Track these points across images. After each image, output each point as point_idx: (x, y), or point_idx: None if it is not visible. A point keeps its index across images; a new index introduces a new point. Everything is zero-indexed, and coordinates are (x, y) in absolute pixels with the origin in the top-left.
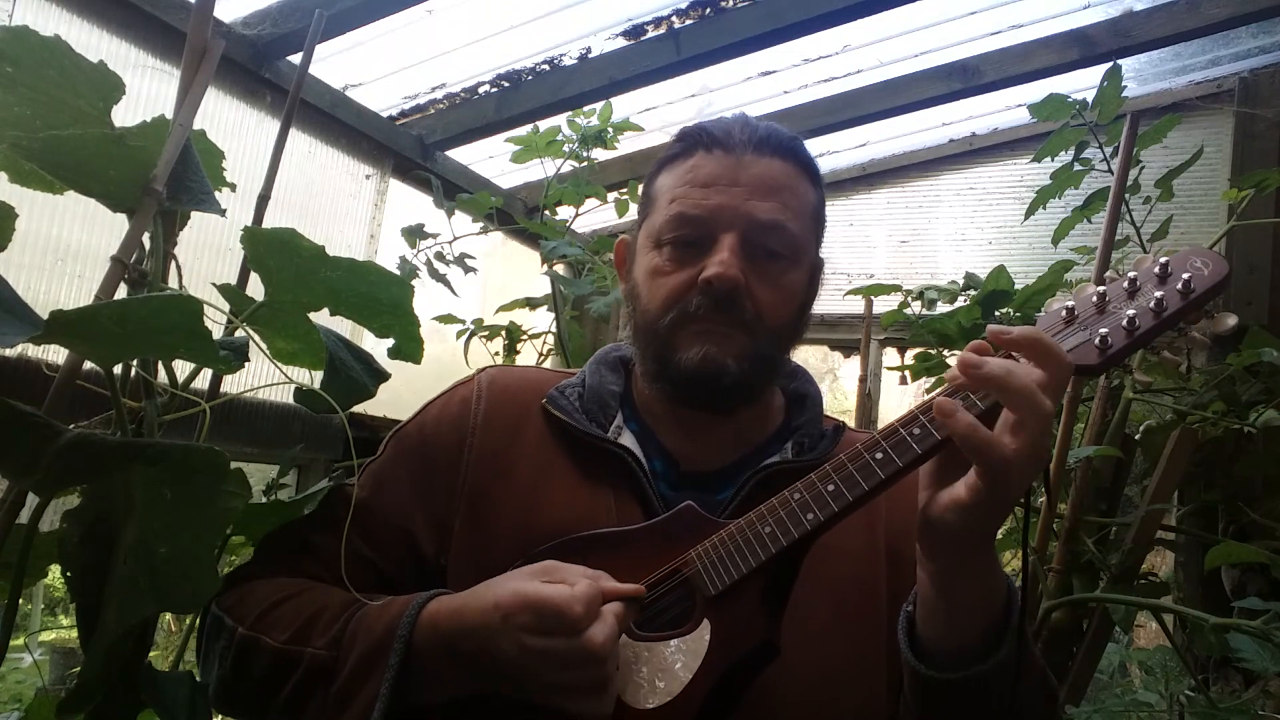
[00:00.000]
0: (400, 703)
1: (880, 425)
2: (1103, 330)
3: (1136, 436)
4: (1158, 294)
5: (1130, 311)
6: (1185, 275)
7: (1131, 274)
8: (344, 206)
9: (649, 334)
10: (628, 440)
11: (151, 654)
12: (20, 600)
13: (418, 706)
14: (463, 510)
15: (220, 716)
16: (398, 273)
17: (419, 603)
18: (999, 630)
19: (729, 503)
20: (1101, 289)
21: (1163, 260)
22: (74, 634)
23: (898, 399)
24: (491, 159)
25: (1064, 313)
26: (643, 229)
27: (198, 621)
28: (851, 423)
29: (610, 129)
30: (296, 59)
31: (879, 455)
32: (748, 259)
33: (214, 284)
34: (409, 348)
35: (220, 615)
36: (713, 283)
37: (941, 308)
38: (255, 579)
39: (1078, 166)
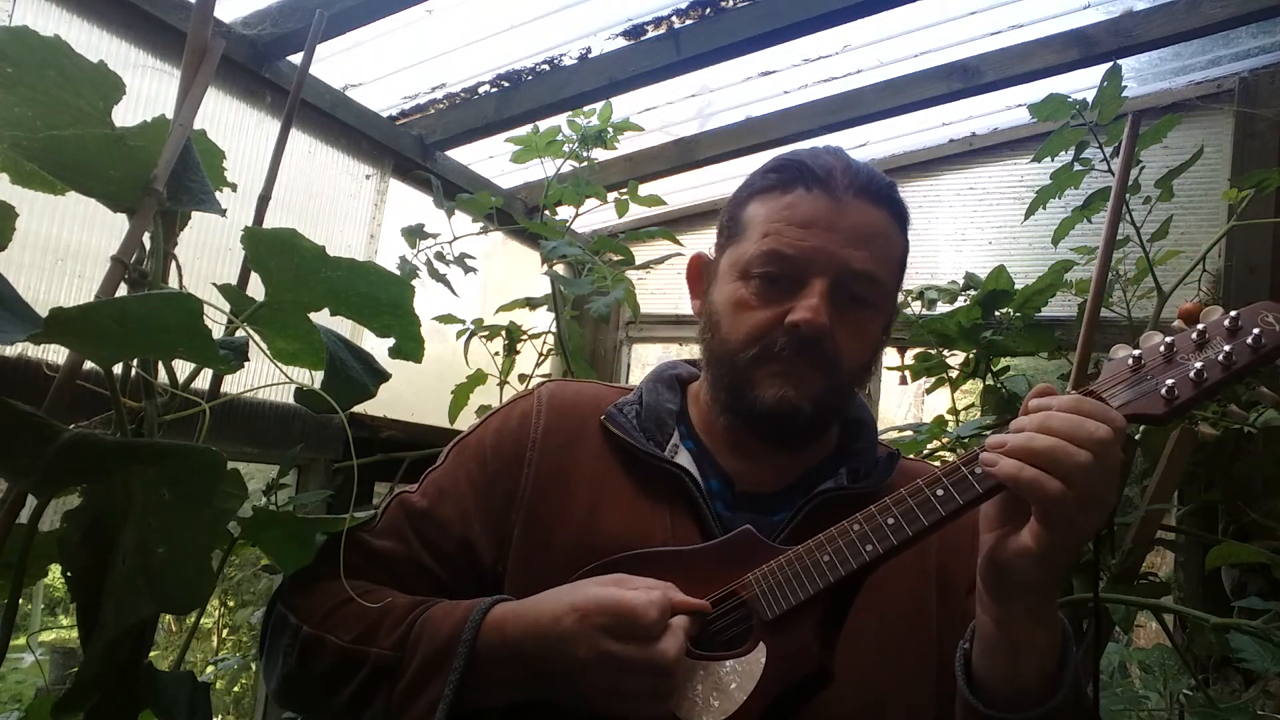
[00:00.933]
0: (463, 704)
1: (880, 425)
2: (1169, 381)
3: (1136, 436)
4: (1226, 348)
5: (1198, 364)
6: (1256, 330)
7: (1200, 326)
8: (344, 206)
9: (726, 365)
10: (684, 459)
11: (151, 654)
12: (20, 600)
13: (479, 709)
14: (522, 522)
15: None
16: (398, 273)
17: (484, 606)
18: (1055, 673)
19: (785, 526)
20: (1170, 339)
21: (1233, 314)
22: (74, 634)
23: (898, 399)
24: (491, 159)
25: (1130, 361)
26: (727, 254)
27: (262, 620)
28: None
29: (610, 129)
30: (296, 59)
31: (940, 492)
32: (834, 305)
33: (214, 284)
34: (409, 348)
35: (285, 613)
36: (801, 327)
37: (941, 308)
38: (319, 580)
39: (1078, 166)
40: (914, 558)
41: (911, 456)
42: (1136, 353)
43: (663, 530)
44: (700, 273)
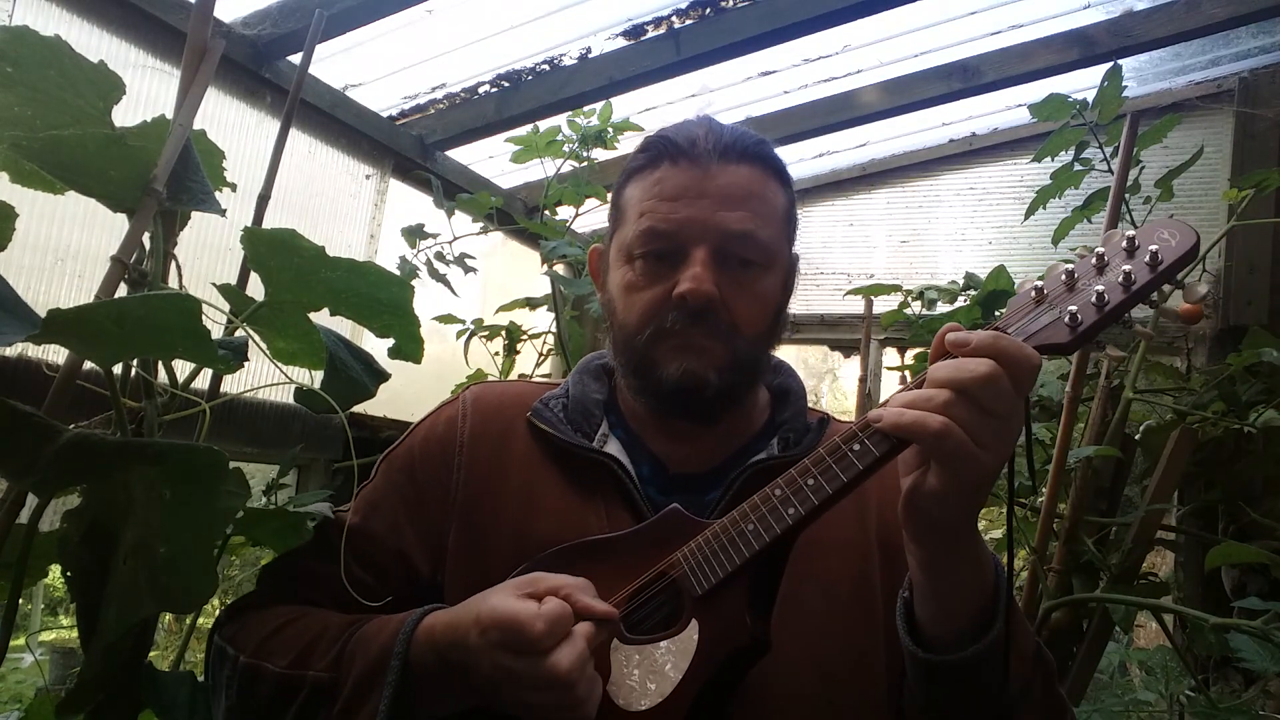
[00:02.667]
0: (401, 717)
1: None
2: (1072, 308)
3: (1136, 436)
4: (1125, 268)
5: (1099, 287)
6: (1153, 247)
7: (1100, 249)
8: (344, 206)
9: (628, 349)
10: (614, 448)
11: (151, 654)
12: (20, 600)
13: None
14: (455, 527)
15: None
16: (398, 273)
17: (416, 618)
18: (991, 610)
19: (718, 502)
20: (1070, 267)
21: (1129, 234)
22: (74, 634)
23: None
24: (491, 159)
25: (1034, 293)
26: (614, 241)
27: (204, 651)
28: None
29: (610, 129)
30: (296, 59)
31: (856, 447)
32: (720, 269)
33: (214, 284)
34: (409, 348)
35: (223, 645)
36: (686, 298)
37: (941, 308)
38: (255, 608)
39: (1078, 166)
40: (855, 526)
41: None
42: (1039, 283)
43: (597, 521)
44: (599, 265)
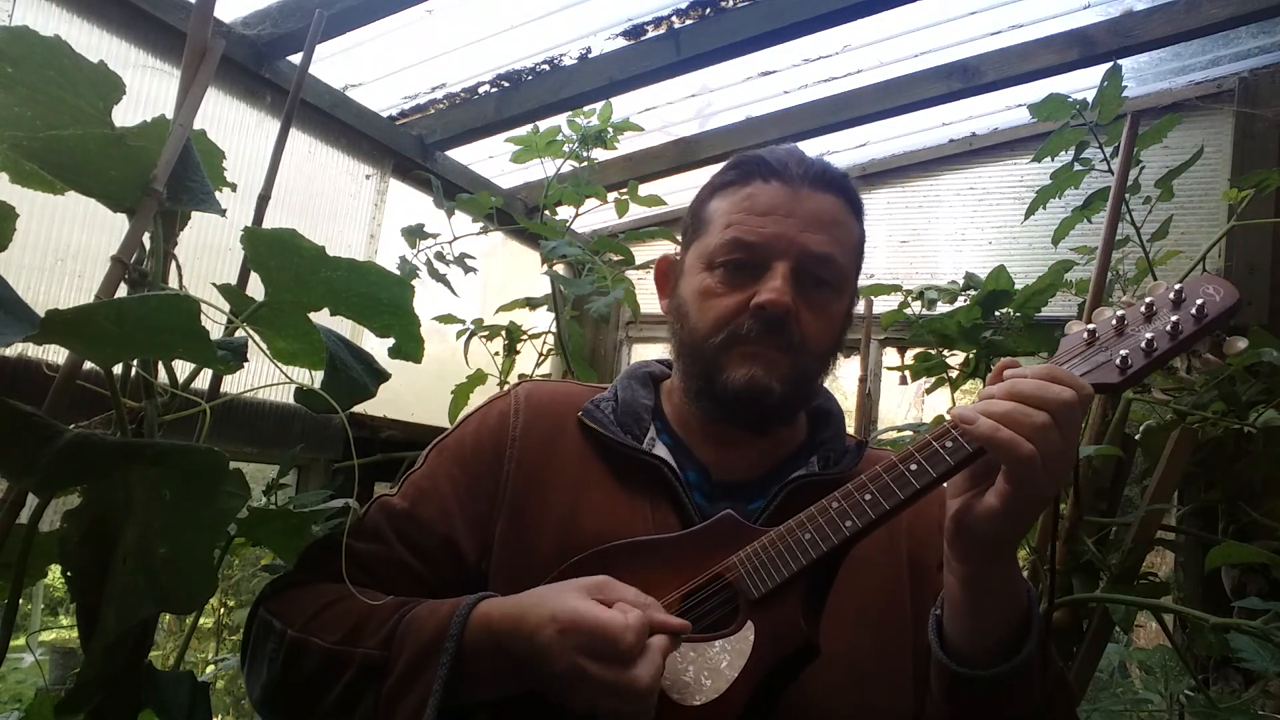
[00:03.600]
0: (451, 700)
1: (880, 425)
2: (1123, 351)
3: (1136, 436)
4: (1173, 318)
5: (1148, 334)
6: (1199, 301)
7: (1148, 299)
8: (344, 206)
9: (696, 352)
10: (661, 451)
11: (151, 654)
12: (20, 600)
13: (467, 705)
14: (504, 519)
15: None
16: (398, 273)
17: (470, 603)
18: (1021, 633)
19: (761, 512)
20: (1120, 313)
21: (1177, 287)
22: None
23: (898, 399)
24: (491, 159)
25: (1085, 335)
26: (692, 249)
27: (244, 629)
28: (851, 422)
29: (610, 129)
30: (296, 59)
31: (913, 467)
32: (797, 288)
33: (214, 284)
34: (409, 347)
35: (269, 619)
36: (766, 308)
37: (941, 308)
38: (302, 584)
39: (1078, 166)
40: (885, 543)
41: None
42: (1091, 326)
43: (644, 522)
44: (668, 272)
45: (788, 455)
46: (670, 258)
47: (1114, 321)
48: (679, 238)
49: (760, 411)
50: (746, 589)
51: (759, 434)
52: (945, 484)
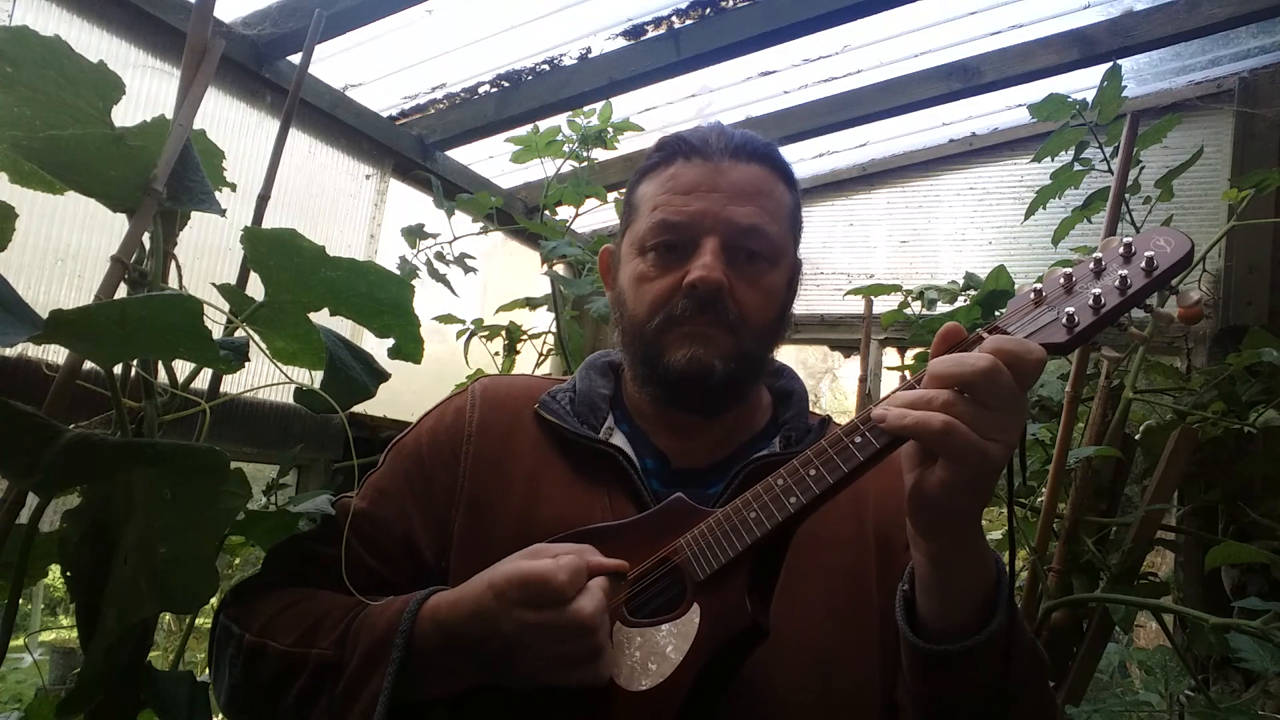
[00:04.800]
0: (404, 696)
1: None
2: (1069, 309)
3: (1136, 436)
4: (1122, 273)
5: (1096, 290)
6: (1149, 254)
7: (1097, 254)
8: (344, 206)
9: (637, 338)
10: (619, 440)
11: (151, 654)
12: (20, 600)
13: (423, 701)
14: (462, 515)
15: None
16: (398, 273)
17: (420, 598)
18: (991, 605)
19: (720, 496)
20: (1068, 270)
21: (1126, 240)
22: (74, 634)
23: None
24: (491, 159)
25: (1032, 295)
26: (626, 237)
27: (208, 634)
28: None
29: (610, 129)
30: (296, 59)
31: (857, 439)
32: (729, 262)
33: (214, 284)
34: (409, 348)
35: (228, 624)
36: (697, 285)
37: (941, 308)
38: (261, 589)
39: (1078, 166)
40: (851, 525)
41: None
42: (1037, 286)
43: (601, 511)
44: (609, 264)
45: (749, 438)
46: (610, 249)
47: (1061, 280)
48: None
49: (705, 391)
50: (692, 571)
51: (710, 416)
52: (901, 457)
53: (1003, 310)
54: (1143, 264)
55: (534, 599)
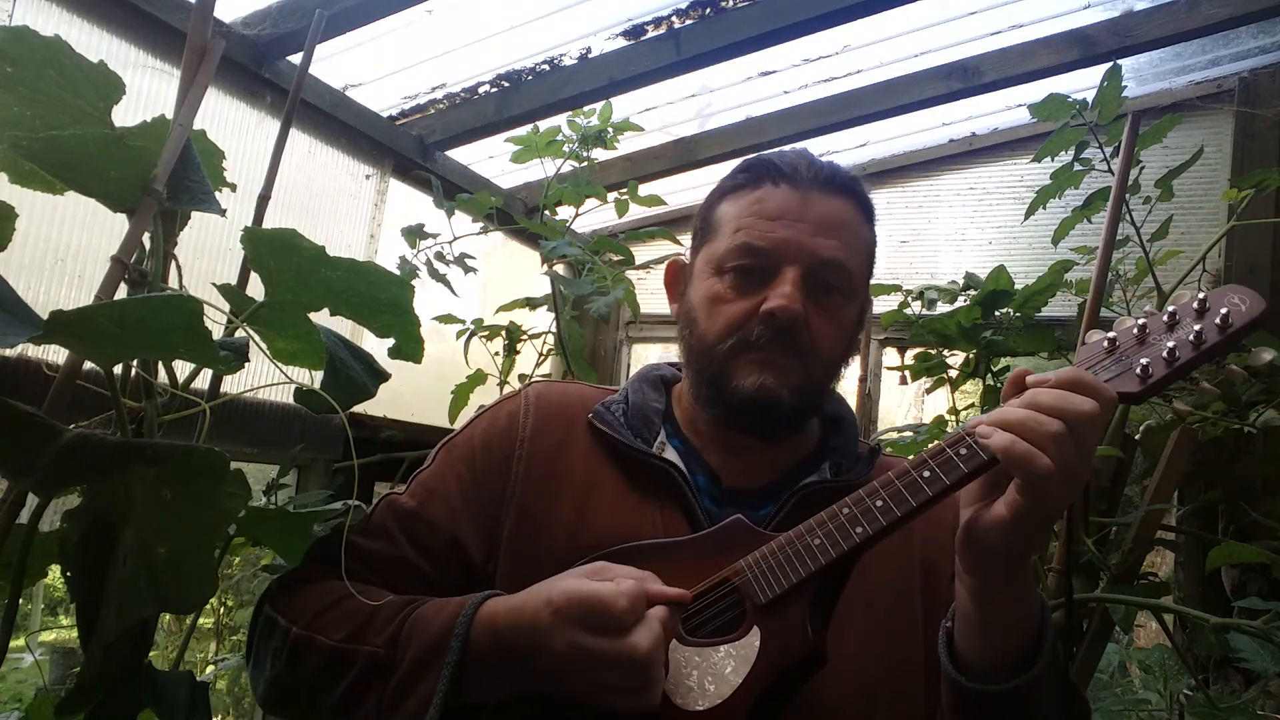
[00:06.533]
0: (456, 699)
1: (880, 425)
2: (1144, 360)
3: (1136, 436)
4: (1196, 327)
5: (1170, 344)
6: (1223, 310)
7: (1171, 308)
8: (344, 206)
9: (705, 358)
10: (671, 455)
11: (151, 654)
12: (20, 600)
13: (471, 704)
14: (511, 520)
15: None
16: (398, 273)
17: (476, 601)
18: (1034, 647)
19: (771, 518)
20: (1142, 321)
21: (1201, 296)
22: (74, 634)
23: (897, 399)
24: (491, 159)
25: (1105, 344)
26: (701, 254)
27: (249, 625)
28: None
29: (610, 129)
30: (296, 59)
31: (926, 474)
32: (807, 293)
33: (214, 284)
34: (409, 348)
35: (274, 616)
36: (775, 314)
37: (941, 308)
38: (308, 582)
39: (1078, 166)
40: (899, 550)
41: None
42: (1111, 335)
43: (652, 526)
44: (677, 276)
45: (799, 462)
46: (679, 261)
47: (1135, 330)
48: (679, 240)
49: (770, 419)
50: (753, 593)
51: (769, 441)
52: (959, 492)
53: (1071, 355)
54: (1217, 320)
55: (591, 622)
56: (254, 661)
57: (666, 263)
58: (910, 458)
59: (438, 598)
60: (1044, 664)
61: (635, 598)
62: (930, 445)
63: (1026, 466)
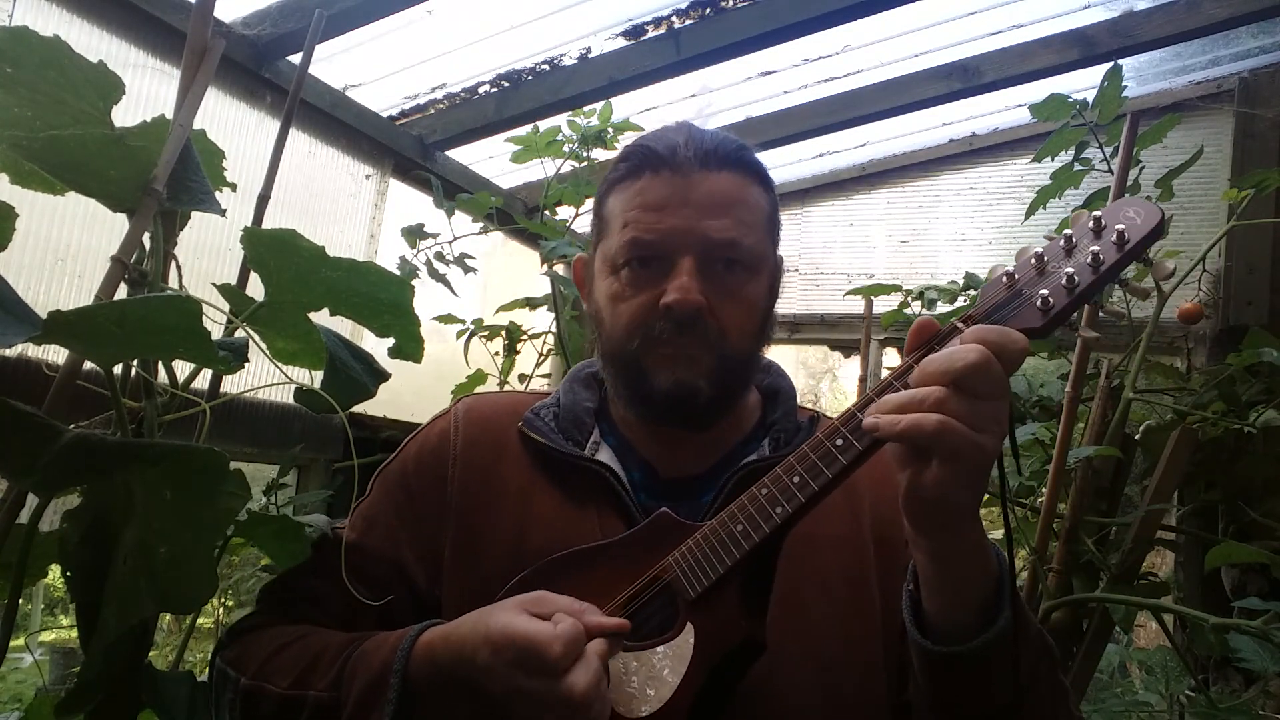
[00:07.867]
0: None
1: None
2: (1043, 291)
3: (1136, 436)
4: (1094, 248)
5: (1069, 269)
6: (1119, 226)
7: (1067, 232)
8: (344, 206)
9: (617, 358)
10: (605, 455)
11: (151, 654)
12: (20, 600)
13: None
14: (451, 539)
15: None
16: (398, 273)
17: (413, 635)
18: (996, 600)
19: (712, 505)
20: (1039, 250)
21: (1096, 214)
22: (74, 634)
23: None
24: (491, 159)
25: (1005, 279)
26: (598, 251)
27: (207, 675)
28: None
29: (610, 129)
30: (296, 59)
31: (839, 442)
32: (706, 278)
33: (214, 284)
34: (409, 347)
35: (224, 668)
36: (673, 308)
37: (941, 308)
38: (256, 629)
39: (1078, 166)
40: (848, 521)
41: None
42: (1009, 269)
43: (591, 529)
44: (583, 275)
45: (738, 441)
46: (584, 259)
47: (1033, 260)
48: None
49: (692, 411)
50: (683, 589)
51: (699, 431)
52: (890, 457)
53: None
54: (1114, 238)
55: (528, 666)
56: (215, 715)
57: (573, 262)
58: (827, 422)
59: (384, 631)
60: (1007, 613)
61: (571, 641)
62: (843, 411)
63: (918, 437)
